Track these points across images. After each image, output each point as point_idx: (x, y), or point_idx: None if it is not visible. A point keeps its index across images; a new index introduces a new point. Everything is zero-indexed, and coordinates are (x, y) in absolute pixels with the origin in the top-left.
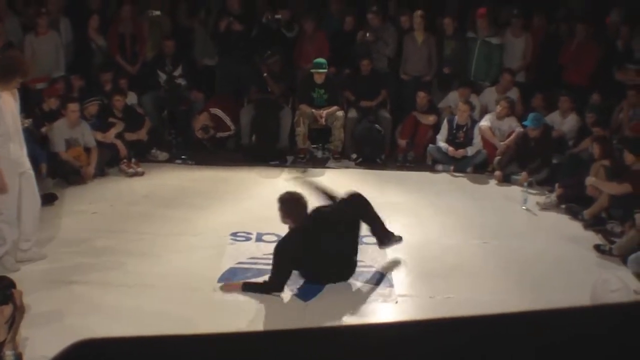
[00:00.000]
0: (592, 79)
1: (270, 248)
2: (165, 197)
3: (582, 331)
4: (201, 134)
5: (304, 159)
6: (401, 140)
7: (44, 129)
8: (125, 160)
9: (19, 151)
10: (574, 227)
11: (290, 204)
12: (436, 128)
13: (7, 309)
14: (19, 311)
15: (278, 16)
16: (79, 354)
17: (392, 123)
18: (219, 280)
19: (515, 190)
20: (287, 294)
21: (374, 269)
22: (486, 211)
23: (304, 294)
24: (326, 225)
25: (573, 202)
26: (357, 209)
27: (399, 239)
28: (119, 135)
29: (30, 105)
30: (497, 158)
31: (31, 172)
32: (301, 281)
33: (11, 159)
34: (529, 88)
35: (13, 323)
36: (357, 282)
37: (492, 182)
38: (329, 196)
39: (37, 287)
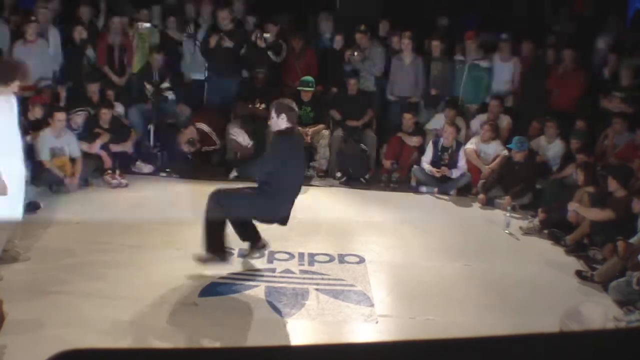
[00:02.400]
0: (578, 105)
1: (252, 264)
2: (149, 209)
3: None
4: (187, 147)
5: None
6: (386, 160)
7: (28, 138)
8: (109, 172)
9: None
10: (556, 253)
11: (286, 104)
12: (421, 149)
13: None
14: None
15: (267, 35)
16: None
17: (378, 143)
18: (200, 295)
19: (498, 214)
20: (266, 309)
21: (355, 288)
22: (469, 234)
23: (282, 310)
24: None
25: (555, 227)
26: None
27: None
28: (104, 146)
29: None
30: (481, 181)
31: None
32: (282, 296)
33: None
34: (518, 113)
35: None
36: (337, 301)
37: (476, 205)
38: None
39: (18, 295)
